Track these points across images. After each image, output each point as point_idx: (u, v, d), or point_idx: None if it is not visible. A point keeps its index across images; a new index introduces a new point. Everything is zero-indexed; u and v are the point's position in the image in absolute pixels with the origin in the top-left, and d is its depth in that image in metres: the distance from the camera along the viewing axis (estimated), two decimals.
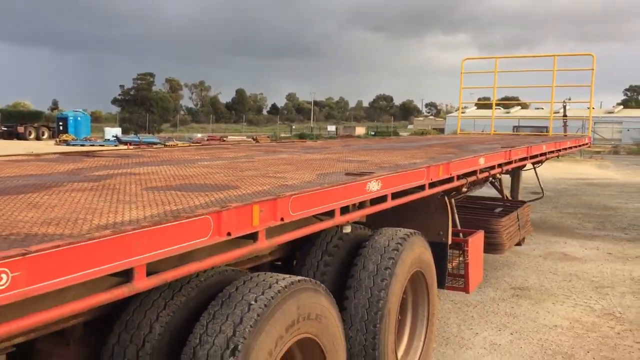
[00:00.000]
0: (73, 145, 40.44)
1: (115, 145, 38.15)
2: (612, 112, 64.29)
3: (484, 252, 6.51)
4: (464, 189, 5.15)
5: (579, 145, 11.12)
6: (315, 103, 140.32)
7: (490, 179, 8.79)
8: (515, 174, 9.45)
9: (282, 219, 2.56)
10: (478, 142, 8.40)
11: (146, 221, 1.93)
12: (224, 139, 46.86)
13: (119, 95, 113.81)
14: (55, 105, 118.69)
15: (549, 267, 8.20)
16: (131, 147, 29.48)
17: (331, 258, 3.75)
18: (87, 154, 4.89)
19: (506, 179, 9.75)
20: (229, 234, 2.25)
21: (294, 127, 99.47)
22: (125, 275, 1.87)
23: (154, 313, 2.55)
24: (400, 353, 4.07)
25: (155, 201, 2.39)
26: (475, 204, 8.11)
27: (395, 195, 3.71)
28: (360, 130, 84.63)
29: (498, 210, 7.56)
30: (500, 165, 5.80)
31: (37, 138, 51.27)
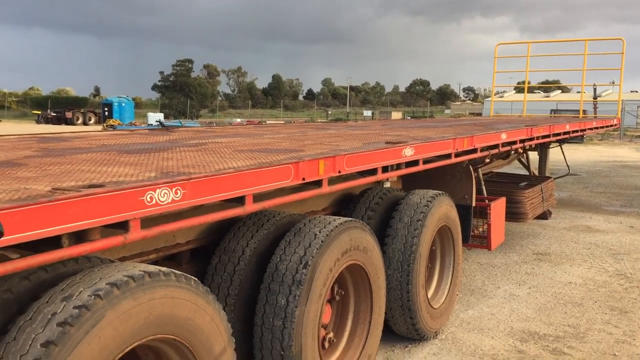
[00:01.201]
0: (119, 129, 42.00)
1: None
2: None
3: (509, 220, 7.32)
4: (487, 160, 5.94)
5: (606, 126, 11.67)
6: (352, 88, 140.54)
7: (518, 156, 9.55)
8: (542, 152, 10.12)
9: (339, 172, 3.44)
10: (506, 122, 9.13)
11: (231, 170, 2.83)
12: (262, 122, 48.03)
13: (159, 81, 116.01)
14: (97, 92, 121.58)
15: (572, 237, 8.91)
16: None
17: (373, 213, 4.61)
18: (168, 130, 5.84)
19: (536, 159, 10.45)
20: (303, 179, 3.14)
21: (329, 112, 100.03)
22: (240, 201, 2.78)
23: (245, 241, 3.46)
24: (429, 293, 4.91)
25: (247, 157, 3.29)
26: (503, 178, 8.89)
27: (426, 161, 4.55)
28: (396, 115, 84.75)
29: (523, 184, 8.31)
30: (522, 141, 6.56)
31: (84, 123, 53.23)
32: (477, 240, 6.00)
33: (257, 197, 2.89)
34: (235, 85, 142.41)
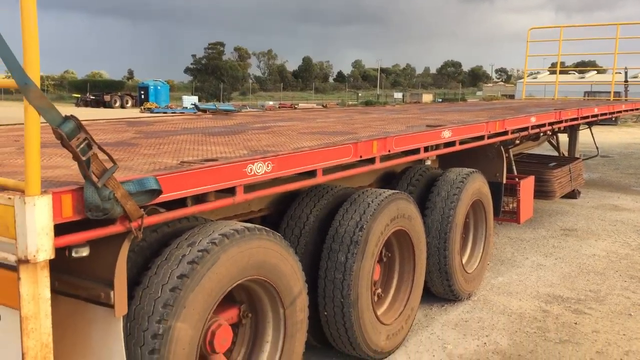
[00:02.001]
0: (157, 112, 43.09)
1: (195, 113, 40.47)
2: None
3: (538, 198, 7.87)
4: (517, 142, 6.50)
5: (636, 109, 12.03)
6: (382, 70, 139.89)
7: (548, 138, 10.03)
8: (572, 134, 10.57)
9: (389, 151, 4.07)
10: (536, 105, 9.61)
11: (307, 149, 3.47)
12: (295, 106, 48.72)
13: (191, 64, 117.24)
14: (130, 75, 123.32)
15: (599, 215, 9.40)
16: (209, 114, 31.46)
17: (413, 188, 5.22)
18: (227, 114, 6.53)
19: (565, 141, 10.90)
20: (361, 156, 3.78)
21: (360, 94, 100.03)
22: (312, 174, 3.43)
23: (309, 209, 4.11)
24: (464, 259, 5.53)
25: (312, 139, 3.93)
26: (533, 159, 9.40)
27: (462, 142, 5.15)
28: (427, 97, 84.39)
29: (552, 164, 8.81)
30: (550, 124, 7.09)
31: (122, 106, 54.52)
32: (507, 215, 6.57)
33: (325, 171, 3.54)
34: (265, 67, 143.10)
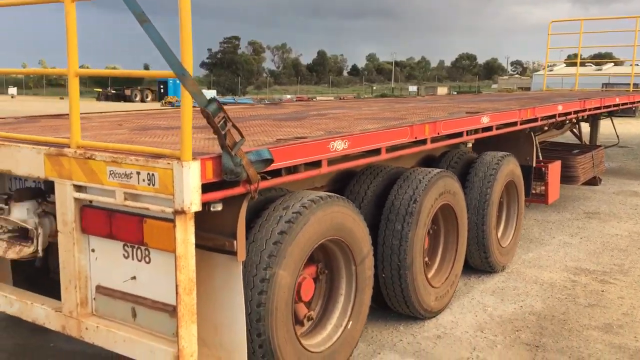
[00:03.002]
0: (178, 106, 43.82)
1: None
2: None
3: (562, 182, 8.38)
4: (545, 128, 7.02)
5: None
6: (396, 63, 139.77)
7: (571, 127, 10.52)
8: (593, 123, 11.05)
9: (438, 133, 4.63)
10: (560, 96, 10.11)
11: (374, 130, 4.03)
12: (312, 99, 49.28)
13: (207, 58, 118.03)
14: (146, 69, 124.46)
15: (620, 200, 9.89)
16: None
17: (452, 170, 5.77)
18: (277, 104, 7.11)
19: (586, 131, 11.38)
20: (416, 138, 4.34)
21: (374, 87, 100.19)
22: (377, 152, 4.00)
23: (366, 185, 4.67)
24: (499, 235, 6.07)
25: (369, 123, 4.50)
26: (558, 147, 9.89)
27: (498, 128, 5.69)
28: (442, 90, 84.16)
29: (575, 151, 9.31)
30: (575, 112, 7.60)
31: (142, 100, 55.40)
32: (536, 196, 7.10)
33: (388, 150, 4.12)
34: (280, 61, 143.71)
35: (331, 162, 3.64)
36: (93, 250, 3.15)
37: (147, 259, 2.96)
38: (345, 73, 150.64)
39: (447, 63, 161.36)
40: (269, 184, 3.20)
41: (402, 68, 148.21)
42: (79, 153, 2.99)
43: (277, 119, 4.96)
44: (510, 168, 5.97)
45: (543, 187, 7.05)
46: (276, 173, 3.35)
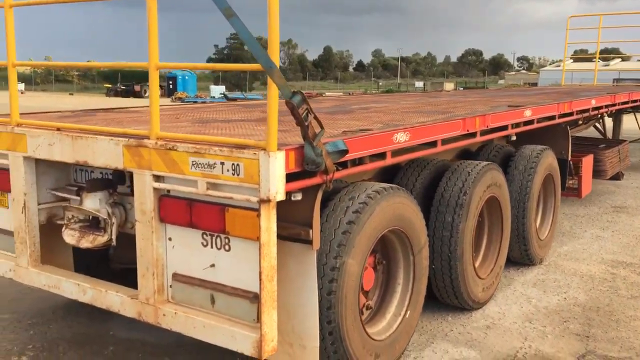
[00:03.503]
0: (188, 102, 43.95)
1: (225, 102, 41.24)
2: None
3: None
4: (580, 122, 7.07)
5: None
6: (402, 59, 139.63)
7: (595, 122, 10.55)
8: (617, 117, 11.08)
9: (487, 126, 4.70)
10: (583, 90, 10.14)
11: (430, 122, 4.10)
12: (320, 95, 49.29)
13: (214, 54, 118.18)
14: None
15: None
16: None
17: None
18: (314, 96, 7.18)
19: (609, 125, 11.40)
20: (467, 130, 4.41)
21: (380, 83, 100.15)
22: (433, 144, 4.07)
23: (414, 177, 4.74)
24: (537, 225, 6.13)
25: (418, 115, 4.56)
26: (584, 141, 9.93)
27: (539, 121, 5.75)
28: (448, 85, 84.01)
29: (602, 145, 9.35)
30: (606, 106, 7.65)
31: None
32: (569, 190, 7.16)
33: (443, 142, 4.19)
34: (285, 57, 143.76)
35: (394, 153, 3.71)
36: (170, 239, 3.23)
37: (226, 247, 3.04)
38: (351, 69, 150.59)
39: (453, 59, 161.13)
40: (341, 174, 3.27)
41: (407, 64, 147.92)
42: (159, 144, 3.07)
43: (326, 112, 5.03)
44: (549, 161, 6.03)
45: (576, 181, 7.10)
46: (342, 165, 3.43)
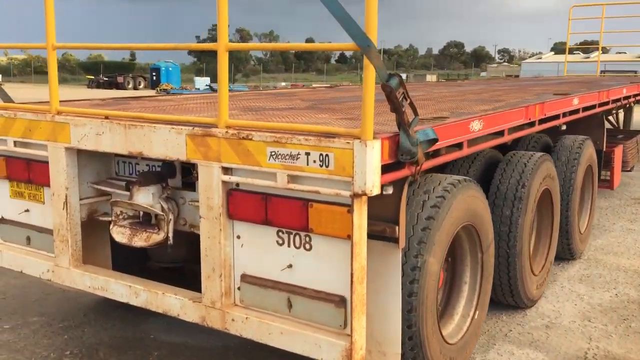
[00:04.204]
0: (174, 93, 43.30)
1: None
2: None
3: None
4: (614, 112, 6.87)
5: None
6: (384, 51, 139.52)
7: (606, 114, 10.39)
8: (629, 109, 10.93)
9: (545, 114, 4.46)
10: (598, 81, 9.98)
11: (494, 110, 3.84)
12: (306, 87, 48.88)
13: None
14: (133, 57, 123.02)
15: None
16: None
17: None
18: (332, 87, 6.91)
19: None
20: (529, 119, 4.17)
21: (362, 75, 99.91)
22: (501, 134, 3.82)
23: (465, 169, 4.48)
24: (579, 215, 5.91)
25: (474, 104, 4.31)
26: None
27: (584, 110, 5.54)
28: (431, 78, 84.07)
29: (620, 136, 9.19)
30: (634, 95, 7.47)
31: (135, 87, 54.62)
32: (601, 182, 6.97)
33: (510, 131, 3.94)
34: None
35: (470, 143, 3.46)
36: (238, 237, 2.95)
37: (307, 246, 2.76)
38: (333, 61, 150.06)
39: (435, 51, 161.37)
40: (426, 165, 3.01)
41: (390, 56, 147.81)
42: (231, 133, 2.78)
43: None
44: (590, 152, 5.82)
45: (608, 172, 6.91)
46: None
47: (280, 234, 2.83)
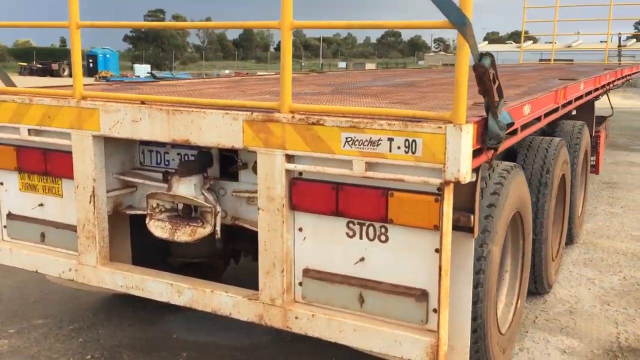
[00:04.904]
0: (113, 80, 41.91)
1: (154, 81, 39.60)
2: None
3: None
4: (600, 97, 6.98)
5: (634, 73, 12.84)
6: (323, 39, 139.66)
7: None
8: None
9: (566, 99, 4.43)
10: (567, 67, 10.16)
11: (529, 95, 3.77)
12: (250, 74, 48.22)
13: (130, 32, 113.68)
14: (63, 43, 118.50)
15: (624, 170, 10.10)
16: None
17: None
18: (323, 72, 6.72)
19: None
20: (558, 103, 4.12)
21: (303, 64, 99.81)
22: (539, 119, 3.75)
23: None
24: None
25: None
26: None
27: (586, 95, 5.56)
28: (370, 66, 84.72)
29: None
30: (613, 82, 7.63)
31: (70, 75, 52.60)
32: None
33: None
34: (205, 36, 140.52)
35: (522, 128, 3.37)
36: (300, 229, 2.76)
37: (382, 238, 2.60)
38: (272, 49, 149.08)
39: (373, 40, 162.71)
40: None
41: (329, 44, 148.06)
42: (298, 118, 2.58)
43: (382, 85, 4.62)
44: (587, 137, 5.87)
45: (594, 157, 7.01)
46: None
47: (350, 225, 2.65)
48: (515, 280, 3.67)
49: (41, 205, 3.43)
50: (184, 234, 3.01)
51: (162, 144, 3.31)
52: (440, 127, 2.33)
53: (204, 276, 3.19)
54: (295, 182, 2.69)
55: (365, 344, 2.63)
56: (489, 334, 3.04)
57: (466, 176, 2.36)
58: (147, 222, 3.11)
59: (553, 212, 4.32)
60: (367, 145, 2.47)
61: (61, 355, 3.54)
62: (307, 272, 2.78)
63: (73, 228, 3.29)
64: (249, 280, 3.01)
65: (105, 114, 3.03)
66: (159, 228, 3.06)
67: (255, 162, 2.96)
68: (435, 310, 2.53)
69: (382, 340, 2.59)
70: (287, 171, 2.67)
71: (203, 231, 2.99)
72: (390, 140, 2.43)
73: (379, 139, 2.45)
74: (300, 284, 2.80)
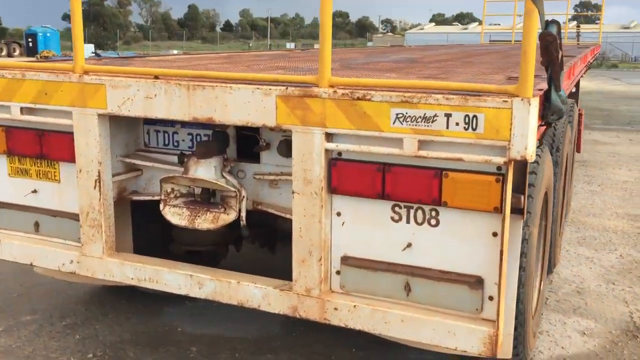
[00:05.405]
0: (56, 60, 40.32)
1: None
2: None
3: None
4: (582, 76, 6.97)
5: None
6: (271, 20, 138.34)
7: None
8: None
9: (574, 75, 4.32)
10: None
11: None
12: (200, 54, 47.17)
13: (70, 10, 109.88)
14: None
15: (590, 149, 10.22)
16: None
17: None
18: (307, 49, 6.46)
19: None
20: (570, 79, 4.01)
21: (251, 44, 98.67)
22: None
23: None
24: None
25: (497, 71, 4.10)
26: None
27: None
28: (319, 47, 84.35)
29: None
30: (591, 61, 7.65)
31: (9, 55, 50.32)
32: None
33: None
34: (148, 15, 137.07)
35: None
36: (338, 214, 2.55)
37: (432, 222, 2.42)
38: (218, 29, 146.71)
39: None
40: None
41: (276, 25, 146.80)
42: (341, 93, 2.36)
43: (387, 62, 4.42)
44: (577, 114, 5.83)
45: (576, 135, 7.01)
46: None
47: (396, 209, 2.46)
48: (538, 262, 3.56)
49: (34, 191, 3.11)
50: (205, 221, 2.75)
51: (171, 123, 3.04)
52: (506, 101, 2.15)
53: (203, 264, 2.96)
54: (335, 162, 2.48)
55: (414, 336, 2.46)
56: (529, 319, 2.91)
57: (532, 154, 2.20)
58: (161, 208, 2.84)
59: (562, 190, 4.24)
60: (421, 121, 2.28)
61: (60, 355, 3.24)
62: (345, 260, 2.58)
63: (73, 216, 3.00)
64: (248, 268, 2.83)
65: (113, 90, 2.73)
66: (176, 215, 2.80)
67: (281, 142, 2.75)
68: (491, 298, 2.38)
69: (433, 331, 2.42)
70: (327, 151, 2.46)
71: (227, 217, 2.74)
72: (448, 116, 2.24)
73: (435, 115, 2.25)
74: (338, 272, 2.60)
